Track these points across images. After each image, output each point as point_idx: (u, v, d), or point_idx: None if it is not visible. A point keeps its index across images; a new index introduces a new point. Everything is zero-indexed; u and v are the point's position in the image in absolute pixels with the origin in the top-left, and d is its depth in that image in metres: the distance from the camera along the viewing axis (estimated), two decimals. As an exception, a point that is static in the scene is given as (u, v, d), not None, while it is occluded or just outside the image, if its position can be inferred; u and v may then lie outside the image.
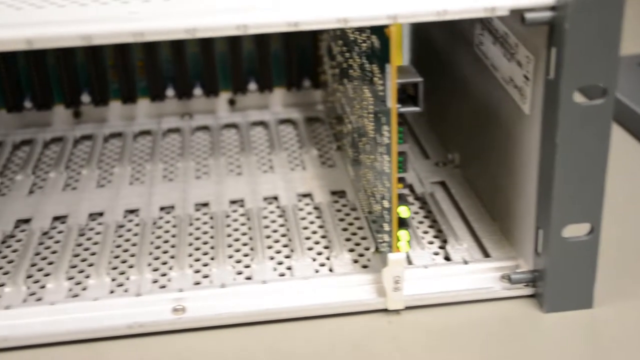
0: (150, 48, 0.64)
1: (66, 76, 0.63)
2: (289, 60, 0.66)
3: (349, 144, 0.53)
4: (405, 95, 0.39)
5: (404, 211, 0.41)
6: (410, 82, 0.39)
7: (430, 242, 0.48)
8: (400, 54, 0.38)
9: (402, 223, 0.41)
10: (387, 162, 0.40)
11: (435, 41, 0.57)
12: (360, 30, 0.44)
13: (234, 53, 0.65)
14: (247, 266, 0.46)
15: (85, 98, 0.65)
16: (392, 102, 0.38)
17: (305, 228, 0.50)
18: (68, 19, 0.36)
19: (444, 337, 0.41)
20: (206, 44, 0.64)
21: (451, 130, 0.56)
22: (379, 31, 0.39)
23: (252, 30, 0.36)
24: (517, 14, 0.37)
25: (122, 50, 0.63)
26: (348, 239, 0.48)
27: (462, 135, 0.53)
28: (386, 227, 0.42)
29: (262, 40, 0.65)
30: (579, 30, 0.36)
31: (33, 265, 0.47)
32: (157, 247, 0.48)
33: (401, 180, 0.40)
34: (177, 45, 0.64)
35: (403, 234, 0.41)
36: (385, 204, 0.42)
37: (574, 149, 0.38)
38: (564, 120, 0.37)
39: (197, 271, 0.46)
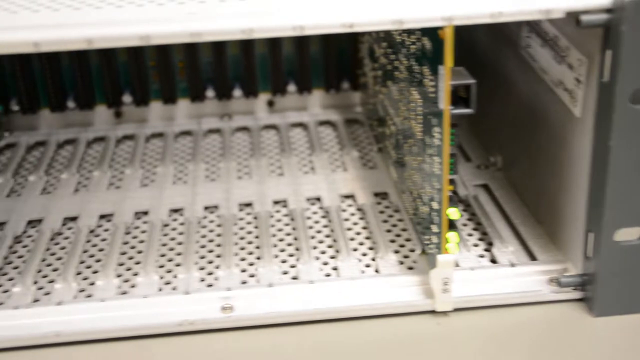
0: (191, 49, 0.64)
1: (108, 77, 0.64)
2: (328, 62, 0.66)
3: (392, 145, 0.53)
4: (456, 97, 0.40)
5: (453, 213, 0.41)
6: (463, 84, 0.39)
7: (475, 245, 0.48)
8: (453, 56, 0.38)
9: (451, 225, 0.41)
10: (438, 164, 0.40)
11: (478, 42, 0.57)
12: (409, 32, 0.44)
13: (273, 54, 0.65)
14: (293, 266, 0.46)
15: (127, 98, 0.65)
16: (445, 104, 0.38)
17: (349, 229, 0.50)
18: (126, 19, 0.37)
19: (493, 339, 0.41)
20: (247, 45, 0.64)
21: (493, 133, 0.56)
22: (431, 33, 0.39)
23: (307, 32, 0.36)
24: (570, 17, 0.37)
25: (163, 51, 0.64)
26: (392, 240, 0.48)
27: (505, 138, 0.53)
28: (434, 229, 0.42)
29: (301, 42, 0.65)
30: (635, 33, 0.36)
31: (82, 262, 0.48)
32: (203, 246, 0.49)
33: (451, 182, 0.40)
34: (218, 47, 0.65)
35: (452, 235, 0.41)
36: (434, 205, 0.42)
37: (628, 152, 0.38)
38: (618, 122, 0.37)
39: (244, 270, 0.46)
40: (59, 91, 0.64)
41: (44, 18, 0.37)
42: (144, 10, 0.38)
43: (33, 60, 0.63)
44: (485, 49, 0.56)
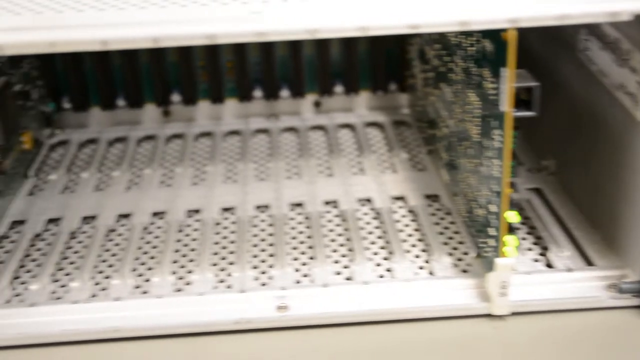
0: (240, 49, 0.65)
1: (158, 76, 0.65)
2: (376, 63, 0.66)
3: (444, 147, 0.53)
4: (517, 99, 0.39)
5: (513, 216, 0.40)
6: (525, 87, 0.38)
7: (529, 249, 0.47)
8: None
9: (509, 228, 0.41)
10: (498, 166, 0.40)
11: (530, 44, 0.56)
12: (467, 33, 0.44)
13: (321, 55, 0.65)
14: (346, 267, 0.46)
15: (175, 98, 0.66)
16: (507, 106, 0.38)
17: (401, 231, 0.50)
18: (191, 18, 0.37)
19: (551, 345, 0.40)
20: (295, 46, 0.65)
21: (546, 137, 0.55)
22: (492, 35, 0.39)
23: (372, 32, 0.36)
24: (637, 20, 0.37)
25: (212, 51, 0.64)
26: (445, 243, 0.48)
27: (559, 142, 0.53)
28: (492, 232, 0.42)
29: (349, 43, 0.65)
30: None
31: (136, 259, 0.48)
32: (255, 245, 0.49)
33: (511, 185, 0.40)
34: (266, 47, 0.65)
35: (510, 239, 0.41)
36: (492, 208, 0.41)
37: (694, 157, 0.37)
38: (685, 127, 0.37)
39: (297, 270, 0.46)
40: (109, 90, 0.65)
41: (111, 17, 0.37)
42: (209, 9, 0.38)
43: (84, 59, 0.64)
44: (539, 51, 0.55)
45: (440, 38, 0.51)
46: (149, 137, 0.64)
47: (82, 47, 0.35)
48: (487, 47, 0.40)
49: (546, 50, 0.54)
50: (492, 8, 0.36)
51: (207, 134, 0.65)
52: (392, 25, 0.36)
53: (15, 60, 0.56)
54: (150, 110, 0.66)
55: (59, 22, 0.37)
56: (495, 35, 0.39)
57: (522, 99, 0.39)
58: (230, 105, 0.67)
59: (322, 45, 0.65)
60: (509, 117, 0.38)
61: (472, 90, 0.44)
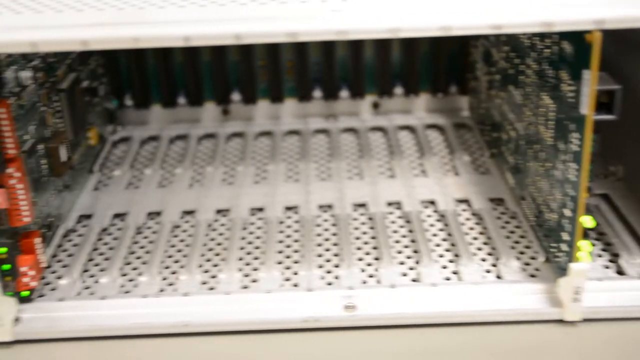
0: (301, 49, 0.65)
1: (218, 74, 0.65)
2: (437, 65, 0.65)
3: (510, 151, 0.52)
4: (596, 102, 0.39)
5: (588, 221, 0.40)
6: (607, 89, 0.38)
7: (599, 255, 0.47)
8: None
9: (583, 233, 0.40)
10: (574, 170, 0.39)
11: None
12: (542, 35, 0.44)
13: (381, 56, 0.65)
14: (412, 268, 0.46)
15: (235, 96, 0.66)
16: (588, 109, 0.37)
17: (466, 234, 0.49)
18: (271, 15, 0.37)
19: (623, 352, 0.40)
20: (356, 46, 0.65)
21: (613, 142, 0.54)
22: (572, 36, 0.39)
23: (454, 32, 0.36)
24: None
25: (273, 51, 0.65)
26: (512, 247, 0.48)
27: (628, 147, 0.52)
28: (565, 237, 0.41)
29: (410, 44, 0.65)
30: None
31: (202, 255, 0.48)
32: (319, 245, 0.49)
33: (588, 189, 0.39)
34: (327, 47, 0.65)
35: (584, 244, 0.40)
36: (567, 212, 0.41)
37: None
38: None
39: (363, 270, 0.46)
40: (170, 88, 0.66)
41: (192, 13, 0.37)
42: (288, 7, 0.38)
43: (147, 57, 0.65)
44: (608, 55, 0.54)
45: (509, 39, 0.51)
46: (209, 135, 0.65)
47: (165, 44, 0.36)
48: (566, 48, 0.40)
49: (615, 52, 0.53)
50: (575, 8, 0.36)
51: (266, 133, 0.65)
52: (475, 26, 0.36)
53: (84, 57, 0.57)
54: (210, 109, 0.67)
55: (141, 18, 0.37)
56: (575, 37, 0.38)
57: (601, 102, 0.39)
58: (290, 104, 0.67)
59: (382, 46, 0.65)
60: (590, 120, 0.38)
61: (547, 92, 0.43)
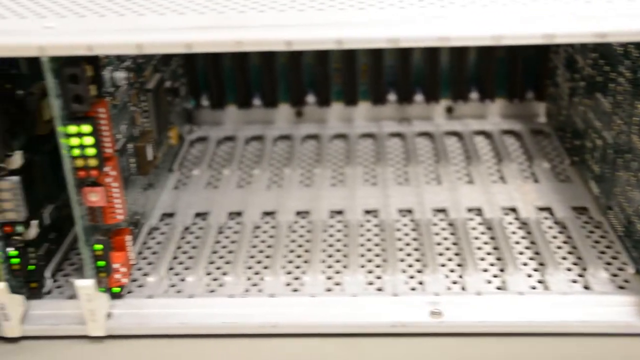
0: (376, 52, 0.65)
1: (293, 76, 0.66)
2: (514, 70, 0.65)
3: (595, 159, 0.52)
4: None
5: (687, 233, 0.39)
6: None
7: (690, 268, 0.46)
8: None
9: (680, 245, 0.39)
10: (674, 181, 0.39)
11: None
12: (638, 43, 0.43)
13: (457, 61, 0.65)
14: (496, 275, 0.46)
15: (309, 99, 0.67)
16: (693, 120, 0.37)
17: (550, 242, 0.49)
18: (371, 20, 0.37)
19: None
20: (432, 50, 0.64)
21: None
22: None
23: (559, 40, 0.35)
24: None
25: (349, 54, 0.65)
26: (598, 257, 0.47)
27: None
28: (660, 248, 0.41)
29: (487, 49, 0.64)
30: None
31: (284, 256, 0.49)
32: (401, 249, 0.49)
33: (687, 200, 0.39)
34: (403, 51, 0.65)
35: (681, 256, 0.39)
36: (663, 224, 0.40)
37: None
38: None
39: (447, 276, 0.46)
40: (246, 89, 0.66)
41: (292, 18, 0.38)
42: (388, 12, 0.38)
43: (224, 58, 0.66)
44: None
45: (598, 46, 0.50)
46: (284, 137, 0.65)
47: (267, 47, 0.36)
48: (667, 57, 0.39)
49: None
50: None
51: (341, 136, 0.65)
52: (579, 33, 0.35)
53: (167, 58, 0.58)
54: (284, 110, 0.67)
55: (242, 21, 0.38)
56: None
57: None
58: (363, 107, 0.67)
59: (459, 50, 0.64)
60: (694, 130, 0.37)
61: (641, 101, 0.43)
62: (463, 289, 0.45)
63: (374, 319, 0.42)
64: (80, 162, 0.39)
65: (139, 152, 0.49)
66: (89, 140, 0.39)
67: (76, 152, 0.39)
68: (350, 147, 0.62)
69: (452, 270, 0.47)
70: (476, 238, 0.50)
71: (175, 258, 0.49)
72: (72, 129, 0.38)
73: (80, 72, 0.37)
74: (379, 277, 0.46)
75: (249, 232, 0.51)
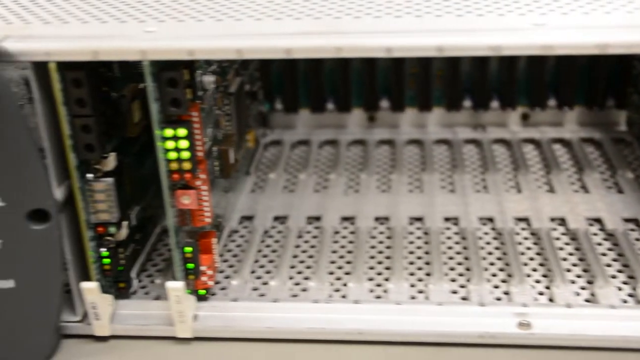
0: (452, 58, 0.64)
1: (368, 81, 0.65)
2: (594, 77, 0.63)
3: (685, 170, 0.50)
4: None
5: None
6: None
7: None
8: None
9: None
10: None
11: None
12: None
13: (535, 67, 0.64)
14: (584, 288, 0.45)
15: (383, 104, 0.66)
16: None
17: (603, 254, 0.48)
18: (471, 28, 0.37)
19: None
20: (510, 57, 0.63)
21: None
22: None
23: (665, 49, 0.34)
24: None
25: (425, 59, 0.64)
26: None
27: None
28: None
29: (568, 56, 0.63)
30: None
31: (365, 262, 0.48)
32: (484, 258, 0.48)
33: None
34: (481, 57, 0.64)
35: None
36: None
37: None
38: None
39: (533, 286, 0.45)
40: (319, 93, 0.66)
41: (389, 24, 0.38)
42: (486, 20, 0.38)
43: (298, 62, 0.66)
44: None
45: (691, 55, 0.49)
46: (357, 142, 0.65)
47: (367, 54, 0.36)
48: None
49: None
50: None
51: (414, 141, 0.65)
52: (689, 42, 0.34)
53: (246, 62, 0.59)
54: (356, 115, 0.67)
55: (340, 27, 0.37)
56: None
57: None
58: (436, 113, 0.66)
59: (538, 56, 0.63)
60: None
61: None
62: (550, 300, 0.44)
63: (460, 329, 0.41)
64: (174, 165, 0.40)
65: (222, 155, 0.49)
66: (184, 144, 0.39)
67: (172, 155, 0.39)
68: (425, 153, 0.62)
69: (537, 281, 0.46)
70: (561, 248, 0.49)
71: (256, 261, 0.49)
72: (169, 132, 0.39)
73: (179, 76, 0.37)
74: (462, 286, 0.46)
75: (328, 237, 0.51)
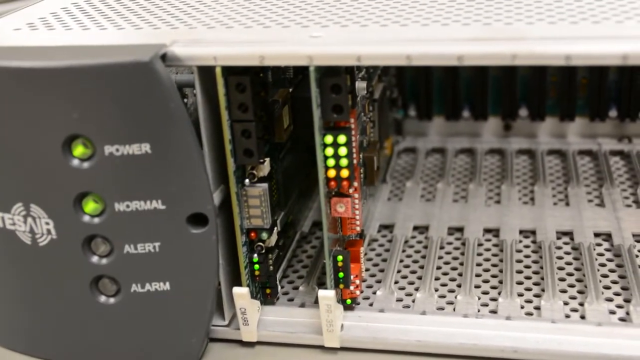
0: (599, 66, 0.61)
1: (507, 89, 0.63)
2: None
3: None
4: None
5: None
6: None
7: None
8: None
9: None
10: None
11: None
12: None
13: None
14: None
15: (522, 112, 0.64)
16: None
17: None
18: (603, 35, 0.35)
19: None
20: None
21: None
22: None
23: None
24: None
25: (568, 68, 0.62)
26: None
27: None
28: None
29: None
30: None
31: (477, 275, 0.47)
32: (602, 276, 0.46)
33: None
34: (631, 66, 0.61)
35: None
36: None
37: None
38: None
39: (699, 311, 0.42)
40: (455, 100, 0.65)
41: (568, 29, 0.36)
42: (623, 26, 0.35)
43: (434, 69, 0.64)
44: None
45: None
46: (494, 151, 0.63)
47: (544, 62, 0.34)
48: None
49: None
50: None
51: (555, 152, 0.62)
52: None
53: (386, 68, 0.58)
54: (492, 123, 0.65)
55: (512, 33, 0.36)
56: None
57: None
58: (579, 123, 0.64)
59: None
60: None
61: None
62: None
63: (619, 351, 0.39)
64: (332, 173, 0.39)
65: (367, 162, 0.48)
66: (343, 151, 0.38)
67: (330, 162, 0.39)
68: (568, 164, 0.59)
69: (702, 305, 0.43)
70: None
71: (398, 271, 0.48)
72: (329, 139, 0.38)
73: (343, 82, 0.37)
74: (620, 306, 0.43)
75: (472, 249, 0.49)
